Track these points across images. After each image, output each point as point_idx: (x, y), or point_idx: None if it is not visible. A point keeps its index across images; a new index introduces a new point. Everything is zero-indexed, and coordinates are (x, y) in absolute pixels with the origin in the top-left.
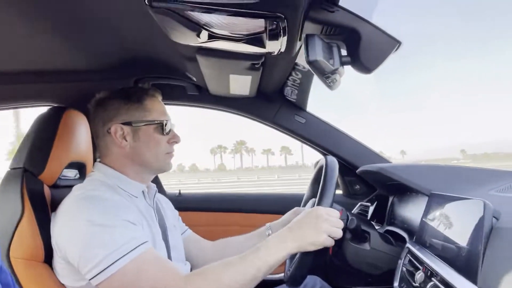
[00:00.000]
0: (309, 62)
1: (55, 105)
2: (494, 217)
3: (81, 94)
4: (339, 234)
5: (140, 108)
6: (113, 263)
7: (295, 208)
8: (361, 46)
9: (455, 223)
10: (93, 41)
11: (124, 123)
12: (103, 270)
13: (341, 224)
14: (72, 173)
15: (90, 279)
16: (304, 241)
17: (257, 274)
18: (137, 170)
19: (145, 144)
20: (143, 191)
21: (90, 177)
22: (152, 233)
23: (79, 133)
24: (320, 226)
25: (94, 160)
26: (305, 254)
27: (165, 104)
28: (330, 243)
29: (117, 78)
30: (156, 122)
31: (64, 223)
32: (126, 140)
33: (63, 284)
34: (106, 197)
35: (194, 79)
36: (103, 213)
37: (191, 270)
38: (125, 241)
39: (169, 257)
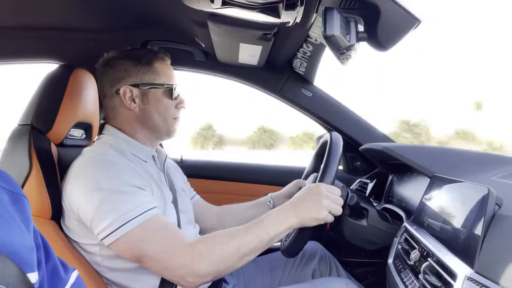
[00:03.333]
0: (326, 37)
1: (63, 63)
2: (496, 204)
3: (88, 53)
4: (339, 211)
5: (150, 71)
6: (120, 227)
7: (296, 181)
8: (379, 22)
9: (456, 206)
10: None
11: (133, 85)
12: (111, 233)
13: (341, 202)
14: (78, 133)
15: (101, 240)
16: (305, 216)
17: (259, 246)
18: (146, 133)
19: (154, 107)
20: (153, 156)
21: (100, 140)
22: (163, 196)
23: (87, 92)
24: (322, 203)
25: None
26: (303, 229)
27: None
28: (330, 219)
29: (125, 39)
30: (165, 85)
31: (75, 186)
32: (135, 102)
33: (70, 242)
34: (116, 162)
35: (203, 45)
36: (113, 177)
37: (199, 233)
38: (133, 206)
39: (179, 220)
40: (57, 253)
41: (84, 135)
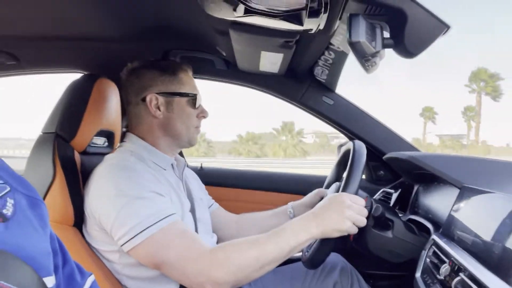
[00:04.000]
0: (351, 43)
1: (86, 72)
2: None
3: (111, 63)
4: (363, 222)
5: (175, 81)
6: (140, 232)
7: (318, 190)
8: (406, 29)
9: (488, 219)
10: (126, 9)
11: (159, 93)
12: (131, 239)
13: (366, 213)
14: (101, 141)
15: (121, 246)
16: (328, 227)
17: (279, 256)
18: (167, 141)
19: (178, 115)
20: (172, 164)
21: (121, 147)
22: (181, 205)
23: (110, 101)
24: (345, 213)
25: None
26: (325, 239)
27: (194, 78)
28: (354, 230)
29: (147, 49)
30: (190, 95)
31: (97, 191)
32: (160, 110)
33: (91, 249)
34: (136, 168)
35: (224, 53)
36: (134, 183)
37: (217, 243)
38: (153, 212)
39: (196, 229)
40: (78, 259)
41: (106, 143)
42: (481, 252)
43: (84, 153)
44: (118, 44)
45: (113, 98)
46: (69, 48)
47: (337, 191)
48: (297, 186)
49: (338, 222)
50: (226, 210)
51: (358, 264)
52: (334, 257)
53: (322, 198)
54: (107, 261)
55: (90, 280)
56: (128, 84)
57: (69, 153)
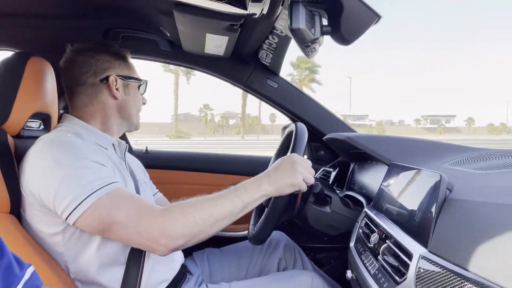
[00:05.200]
0: (292, 30)
1: (18, 51)
2: (448, 189)
3: (47, 41)
4: (312, 180)
5: (128, 65)
6: (86, 198)
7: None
8: (342, 17)
9: (411, 191)
10: None
11: (118, 76)
12: (76, 207)
13: (313, 171)
14: (36, 124)
15: (66, 218)
16: (281, 183)
17: (233, 211)
18: (117, 122)
19: (132, 99)
20: (113, 144)
21: (57, 128)
22: (125, 182)
23: (45, 82)
24: (297, 169)
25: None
26: (270, 216)
27: (136, 58)
28: (304, 187)
29: (86, 27)
30: (142, 81)
31: (34, 169)
32: (119, 92)
33: (31, 235)
34: (74, 142)
35: (168, 34)
36: (73, 155)
37: None
38: (97, 178)
39: None
40: (16, 248)
41: (42, 126)
42: (404, 221)
43: (18, 136)
44: (55, 21)
45: (48, 78)
46: (2, 25)
47: None
48: (245, 168)
49: (291, 177)
50: (167, 199)
51: (300, 239)
52: (278, 235)
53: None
54: (50, 245)
55: (29, 271)
56: (80, 64)
57: (2, 136)
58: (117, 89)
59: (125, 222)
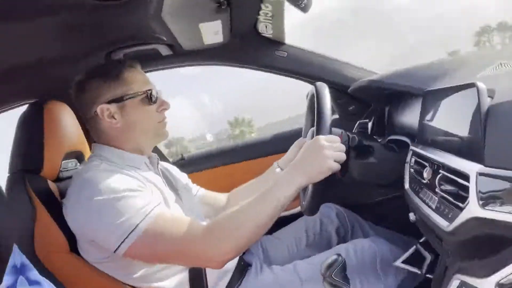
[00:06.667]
0: None
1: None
2: (489, 96)
3: (56, 84)
4: (343, 157)
5: (121, 83)
6: (131, 232)
7: (297, 141)
8: None
9: (452, 112)
10: (56, 28)
11: (108, 102)
12: (123, 241)
13: (343, 147)
14: (72, 163)
15: (114, 252)
16: (312, 173)
17: (272, 213)
18: (133, 144)
19: (136, 117)
20: (145, 162)
21: (90, 159)
22: (164, 198)
23: (66, 123)
24: (323, 154)
25: (90, 145)
26: (315, 184)
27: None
28: (336, 167)
29: (88, 57)
30: (139, 93)
31: (74, 208)
32: (115, 118)
33: (94, 266)
34: (108, 173)
35: (165, 38)
36: (108, 187)
37: None
38: (138, 208)
39: None
40: (84, 281)
41: (77, 164)
42: (454, 145)
43: (58, 179)
44: (59, 64)
45: (68, 119)
46: (11, 81)
47: (313, 135)
48: (278, 146)
49: (319, 164)
50: (215, 192)
51: (353, 200)
52: (326, 207)
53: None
54: (112, 269)
55: None
56: (78, 101)
57: (43, 184)
58: (113, 116)
59: (171, 251)
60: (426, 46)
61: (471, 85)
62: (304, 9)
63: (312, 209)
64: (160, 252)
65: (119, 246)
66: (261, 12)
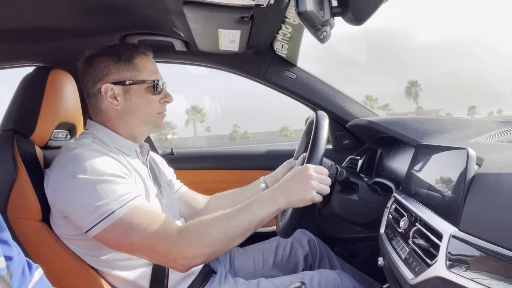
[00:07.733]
0: (299, 13)
1: (40, 65)
2: (477, 164)
3: (66, 54)
4: (326, 190)
5: (131, 67)
6: (105, 218)
7: (287, 161)
8: None
9: (440, 171)
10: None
11: (114, 83)
12: (97, 224)
13: (329, 181)
14: (62, 134)
15: (85, 232)
16: (293, 198)
17: (248, 228)
18: (129, 130)
19: (137, 104)
20: (135, 150)
21: (82, 134)
22: (146, 190)
23: (67, 93)
24: (309, 184)
25: (85, 121)
26: (295, 209)
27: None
28: (318, 199)
29: (102, 35)
30: (147, 81)
31: (57, 181)
32: (117, 100)
33: (62, 240)
34: (96, 153)
35: (182, 34)
36: (94, 168)
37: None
38: (117, 196)
39: None
40: (49, 253)
41: (68, 136)
42: (434, 202)
43: (45, 147)
44: (71, 33)
45: (69, 90)
46: (21, 41)
47: (303, 162)
48: (270, 161)
49: (303, 192)
50: (196, 192)
51: (327, 231)
52: (301, 233)
53: (292, 169)
54: (78, 246)
55: (38, 274)
56: (84, 74)
57: (30, 148)
58: (115, 97)
59: (142, 244)
60: None
61: (462, 149)
62: (322, 40)
63: (287, 232)
64: (129, 243)
65: (91, 228)
66: (280, 32)
